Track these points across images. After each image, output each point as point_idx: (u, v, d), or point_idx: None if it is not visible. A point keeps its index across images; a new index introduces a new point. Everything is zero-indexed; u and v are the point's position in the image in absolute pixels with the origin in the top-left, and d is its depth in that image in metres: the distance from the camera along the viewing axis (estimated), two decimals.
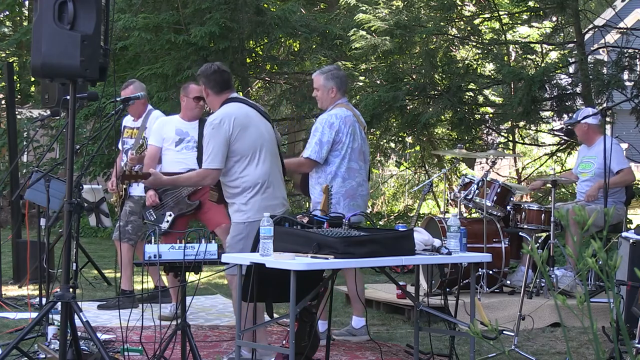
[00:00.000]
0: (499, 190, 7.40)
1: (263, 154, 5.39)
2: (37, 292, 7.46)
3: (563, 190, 12.00)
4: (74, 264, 5.07)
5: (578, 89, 11.30)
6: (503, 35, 13.06)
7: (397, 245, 4.68)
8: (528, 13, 12.75)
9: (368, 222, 5.93)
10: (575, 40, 11.79)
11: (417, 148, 14.27)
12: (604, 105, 10.51)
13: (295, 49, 14.38)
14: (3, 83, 15.35)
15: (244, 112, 5.46)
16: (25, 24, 21.55)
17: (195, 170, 5.71)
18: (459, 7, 12.68)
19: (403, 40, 11.87)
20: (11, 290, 8.32)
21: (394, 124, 12.15)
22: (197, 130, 7.04)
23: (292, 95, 13.75)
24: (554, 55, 13.02)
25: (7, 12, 22.65)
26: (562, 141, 12.14)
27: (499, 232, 7.33)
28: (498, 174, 13.93)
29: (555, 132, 12.53)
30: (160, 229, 6.81)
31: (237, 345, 4.73)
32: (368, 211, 6.44)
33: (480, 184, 7.33)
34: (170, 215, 6.96)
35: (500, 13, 12.90)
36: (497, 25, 13.12)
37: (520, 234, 7.26)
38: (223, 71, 5.51)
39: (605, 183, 6.30)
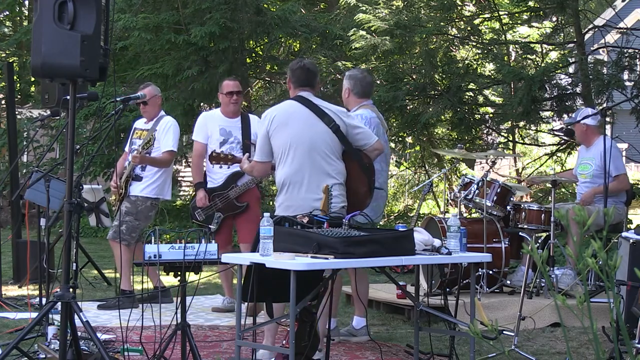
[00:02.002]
0: (499, 190, 7.39)
1: (292, 154, 5.36)
2: (37, 292, 7.46)
3: (563, 190, 12.00)
4: (74, 264, 5.07)
5: (578, 89, 11.30)
6: (503, 35, 13.07)
7: (397, 245, 4.67)
8: (528, 13, 12.75)
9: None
10: (575, 40, 11.80)
11: (417, 148, 14.28)
12: (604, 105, 10.52)
13: (295, 49, 14.38)
14: (3, 83, 15.36)
15: (290, 111, 5.45)
16: (25, 24, 21.57)
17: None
18: (459, 7, 12.69)
19: (403, 40, 11.88)
20: (11, 290, 8.32)
21: (394, 124, 12.15)
22: (241, 129, 7.23)
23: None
24: (554, 55, 13.04)
25: (7, 12, 22.65)
26: (562, 141, 12.14)
27: (499, 232, 7.32)
28: (498, 174, 13.92)
29: (555, 132, 12.53)
30: (210, 229, 7.08)
31: (236, 345, 4.73)
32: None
33: (480, 184, 7.33)
34: (219, 216, 7.21)
35: (500, 13, 12.91)
36: (497, 25, 13.13)
37: (520, 234, 7.26)
38: (307, 69, 5.52)
39: (604, 184, 6.29)
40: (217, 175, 7.23)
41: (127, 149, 7.78)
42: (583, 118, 7.18)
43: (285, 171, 5.38)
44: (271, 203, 13.17)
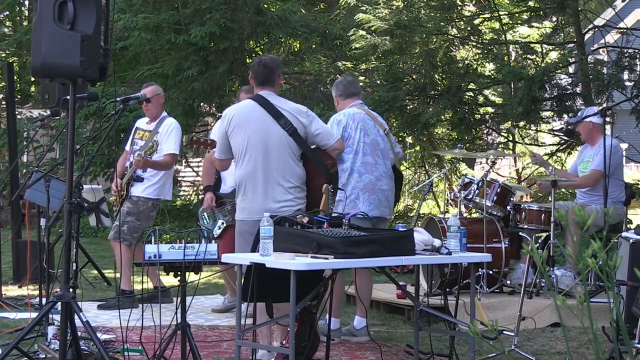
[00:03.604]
0: (499, 190, 7.40)
1: (247, 157, 5.38)
2: (37, 292, 7.46)
3: (563, 190, 12.00)
4: (74, 264, 5.07)
5: (578, 89, 11.30)
6: (503, 35, 13.06)
7: (397, 245, 4.68)
8: (528, 13, 12.75)
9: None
10: (575, 40, 11.79)
11: (417, 148, 14.27)
12: (604, 105, 10.52)
13: (295, 49, 14.37)
14: (3, 83, 15.36)
15: (247, 112, 5.45)
16: (25, 24, 21.55)
17: None
18: (459, 7, 12.68)
19: (403, 40, 11.87)
20: (11, 290, 8.32)
21: (394, 124, 12.15)
22: None
23: (292, 96, 13.74)
24: (554, 55, 13.03)
25: (7, 12, 22.65)
26: (562, 141, 12.14)
27: (499, 232, 7.32)
28: (498, 174, 13.92)
29: (555, 132, 12.53)
30: (213, 235, 7.12)
31: (237, 345, 4.73)
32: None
33: (480, 184, 7.33)
34: (223, 223, 7.19)
35: (500, 13, 12.90)
36: (497, 25, 13.12)
37: (520, 234, 7.26)
38: (264, 66, 5.51)
39: (605, 184, 6.29)
40: (227, 183, 7.24)
41: (128, 148, 7.78)
42: (589, 116, 7.17)
43: (240, 173, 5.44)
44: None
